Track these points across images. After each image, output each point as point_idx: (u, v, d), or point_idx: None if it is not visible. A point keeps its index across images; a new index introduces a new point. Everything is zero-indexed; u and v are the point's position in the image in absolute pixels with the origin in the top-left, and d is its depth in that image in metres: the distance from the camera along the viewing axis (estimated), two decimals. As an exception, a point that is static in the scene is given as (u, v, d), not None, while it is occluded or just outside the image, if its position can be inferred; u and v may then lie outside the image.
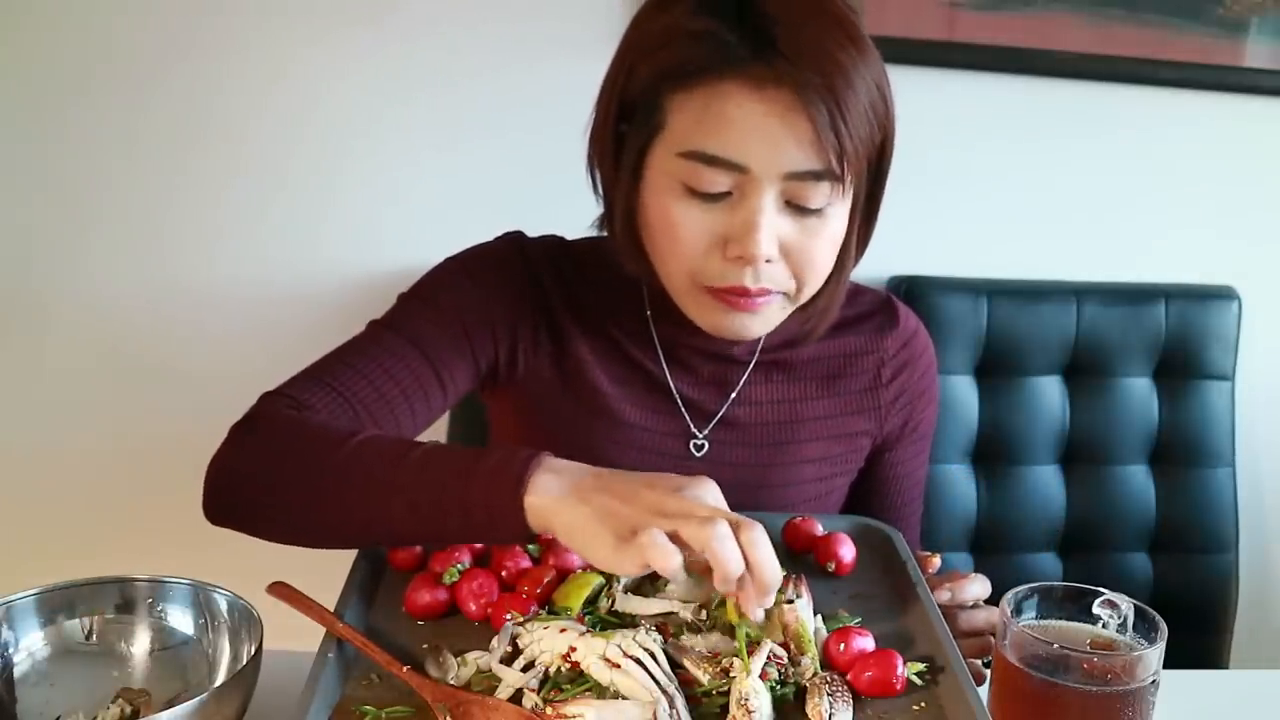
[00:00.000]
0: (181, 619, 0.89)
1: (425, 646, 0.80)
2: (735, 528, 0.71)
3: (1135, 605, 0.83)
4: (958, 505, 1.62)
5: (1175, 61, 1.59)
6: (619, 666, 0.73)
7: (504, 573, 0.87)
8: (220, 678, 0.86)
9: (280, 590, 0.84)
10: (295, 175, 1.57)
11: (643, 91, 0.90)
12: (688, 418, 1.08)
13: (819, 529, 0.96)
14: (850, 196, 0.93)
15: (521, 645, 0.77)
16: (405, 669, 0.75)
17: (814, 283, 0.95)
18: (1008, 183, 1.65)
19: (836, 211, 0.92)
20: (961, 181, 1.64)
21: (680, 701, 0.72)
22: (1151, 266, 1.69)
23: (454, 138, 1.56)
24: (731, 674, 0.73)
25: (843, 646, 0.78)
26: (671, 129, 0.89)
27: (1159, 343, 1.64)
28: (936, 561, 1.00)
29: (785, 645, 0.78)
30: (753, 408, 1.09)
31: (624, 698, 0.72)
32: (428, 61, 1.53)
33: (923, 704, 0.76)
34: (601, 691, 0.73)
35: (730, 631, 0.78)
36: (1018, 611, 0.85)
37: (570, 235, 1.11)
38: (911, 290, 1.60)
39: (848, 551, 0.93)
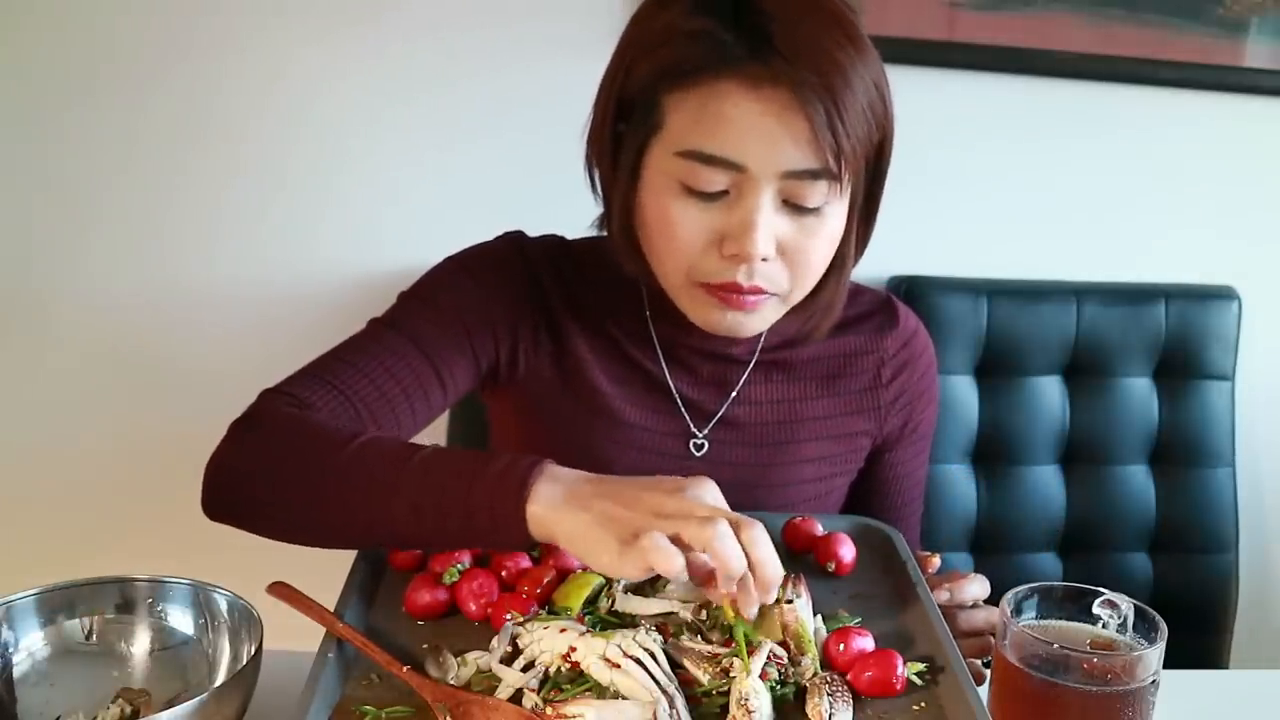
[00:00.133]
0: (181, 619, 0.89)
1: (425, 646, 0.80)
2: (735, 527, 0.71)
3: (1135, 605, 0.83)
4: (958, 505, 1.62)
5: (1175, 61, 1.59)
6: (619, 666, 0.73)
7: (504, 573, 0.87)
8: (220, 678, 0.86)
9: (280, 590, 0.84)
10: (295, 175, 1.57)
11: (641, 90, 0.90)
12: (687, 417, 1.08)
13: (819, 529, 0.96)
14: (848, 196, 0.93)
15: (521, 645, 0.77)
16: (405, 669, 0.75)
17: (808, 283, 0.95)
18: (1008, 183, 1.65)
19: (834, 211, 0.92)
20: (961, 181, 1.64)
21: (680, 701, 0.72)
22: (1151, 266, 1.69)
23: (453, 137, 1.56)
24: (731, 674, 0.73)
25: (843, 646, 0.78)
26: (669, 128, 0.89)
27: (1159, 343, 1.64)
28: (936, 561, 1.00)
29: (785, 645, 0.78)
30: (752, 407, 1.09)
31: (624, 698, 0.72)
32: (427, 61, 1.53)
33: (923, 704, 0.76)
34: (601, 691, 0.73)
35: (730, 631, 0.78)
36: (1018, 611, 0.85)
37: (569, 235, 1.11)
38: (911, 290, 1.60)
39: (848, 551, 0.93)
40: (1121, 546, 1.66)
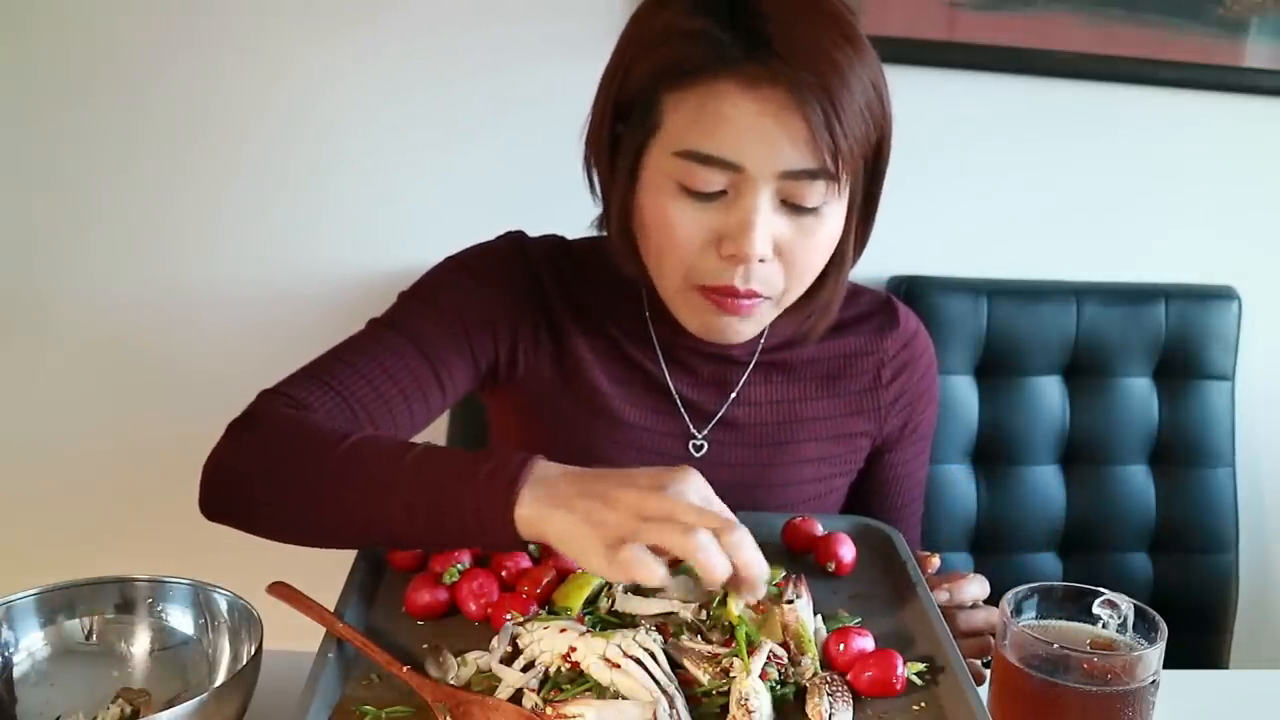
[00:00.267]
0: (181, 619, 0.89)
1: (425, 646, 0.80)
2: (718, 532, 0.70)
3: (1135, 605, 0.83)
4: (958, 505, 1.62)
5: (1175, 61, 1.59)
6: (619, 666, 0.73)
7: (504, 573, 0.87)
8: (220, 678, 0.86)
9: (280, 590, 0.84)
10: (294, 175, 1.57)
11: (639, 90, 0.90)
12: (687, 418, 1.08)
13: (819, 529, 0.96)
14: (846, 196, 0.93)
15: (521, 645, 0.77)
16: (405, 669, 0.75)
17: (804, 283, 0.95)
18: (1008, 183, 1.65)
19: (832, 211, 0.92)
20: (961, 181, 1.64)
21: (680, 701, 0.72)
22: (1151, 266, 1.69)
23: (452, 137, 1.56)
24: (731, 674, 0.73)
25: (843, 646, 0.78)
26: (667, 128, 0.89)
27: (1159, 343, 1.64)
28: (936, 561, 1.00)
29: (785, 645, 0.78)
30: (752, 408, 1.09)
31: (624, 698, 0.72)
32: (426, 61, 1.53)
33: (923, 704, 0.76)
34: (601, 691, 0.73)
35: (730, 631, 0.78)
36: (1018, 611, 0.85)
37: (568, 235, 1.11)
38: (911, 290, 1.60)
39: (848, 551, 0.93)
40: (1121, 546, 1.66)
